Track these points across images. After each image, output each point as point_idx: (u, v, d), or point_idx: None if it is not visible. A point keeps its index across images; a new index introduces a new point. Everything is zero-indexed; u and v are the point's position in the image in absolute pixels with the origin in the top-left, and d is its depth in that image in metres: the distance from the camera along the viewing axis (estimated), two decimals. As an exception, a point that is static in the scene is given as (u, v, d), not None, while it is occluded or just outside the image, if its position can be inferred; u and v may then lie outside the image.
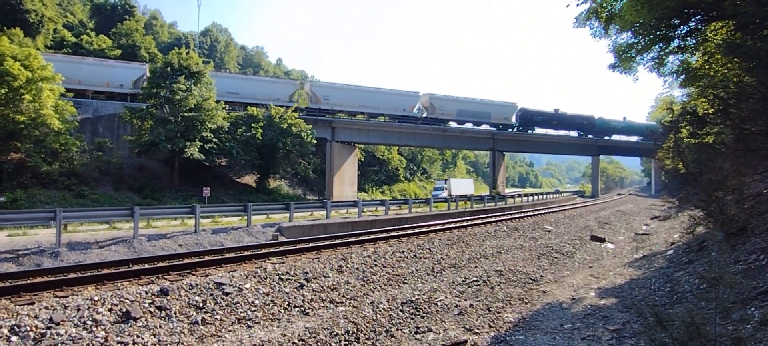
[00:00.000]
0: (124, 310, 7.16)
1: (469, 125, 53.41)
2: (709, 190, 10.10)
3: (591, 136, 62.61)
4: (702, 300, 7.06)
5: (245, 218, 18.22)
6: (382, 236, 15.73)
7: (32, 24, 44.42)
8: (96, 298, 7.35)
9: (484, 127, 54.31)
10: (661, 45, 12.13)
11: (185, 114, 27.89)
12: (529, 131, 57.79)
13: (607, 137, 64.82)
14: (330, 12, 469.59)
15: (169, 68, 28.58)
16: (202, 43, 75.80)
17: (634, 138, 67.44)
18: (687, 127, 13.60)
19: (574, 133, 62.17)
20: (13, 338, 6.07)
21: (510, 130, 55.89)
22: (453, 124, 52.16)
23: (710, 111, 12.71)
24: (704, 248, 10.67)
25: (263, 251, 12.52)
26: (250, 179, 37.05)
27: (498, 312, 8.89)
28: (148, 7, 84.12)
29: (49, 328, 6.36)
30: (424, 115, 50.40)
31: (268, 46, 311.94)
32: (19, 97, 22.09)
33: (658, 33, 11.59)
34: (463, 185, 56.40)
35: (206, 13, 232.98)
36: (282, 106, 38.56)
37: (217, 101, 30.84)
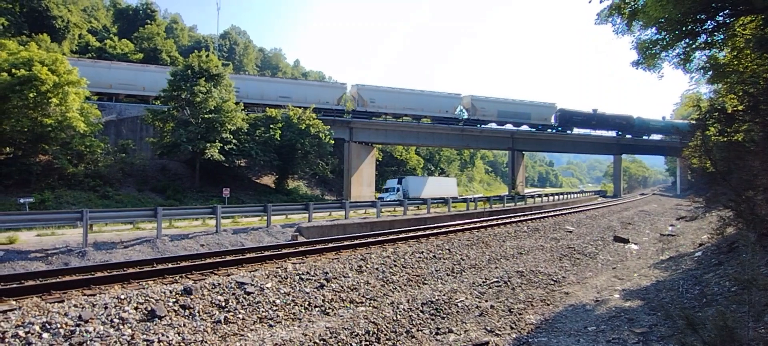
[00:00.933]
0: (150, 308, 7.29)
1: (509, 125, 53.97)
2: (738, 189, 9.81)
3: (629, 136, 62.33)
4: (733, 303, 6.85)
5: (265, 218, 18.40)
6: (401, 236, 15.68)
7: (58, 30, 45.73)
8: (122, 296, 7.50)
9: (507, 126, 54.10)
10: (687, 41, 11.80)
11: (205, 116, 28.32)
12: (568, 131, 58.13)
13: (645, 137, 64.06)
14: (345, 13, 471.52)
15: (189, 71, 29.05)
16: (222, 46, 76.90)
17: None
18: (715, 125, 13.23)
19: (611, 133, 62.04)
20: (45, 335, 6.23)
21: (549, 130, 56.27)
22: (493, 125, 52.80)
23: (739, 108, 12.33)
24: (735, 250, 10.35)
25: (283, 251, 12.61)
26: (269, 180, 37.43)
27: (519, 314, 8.78)
28: (168, 12, 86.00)
29: (78, 325, 6.52)
30: (465, 116, 50.93)
31: (285, 47, 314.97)
32: (46, 100, 22.73)
33: (684, 28, 11.29)
34: (434, 185, 46.70)
35: (225, 16, 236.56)
36: (331, 109, 41.99)
37: (262, 105, 31.88)
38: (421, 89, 48.76)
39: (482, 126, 51.60)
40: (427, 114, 48.15)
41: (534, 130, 55.11)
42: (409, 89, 48.06)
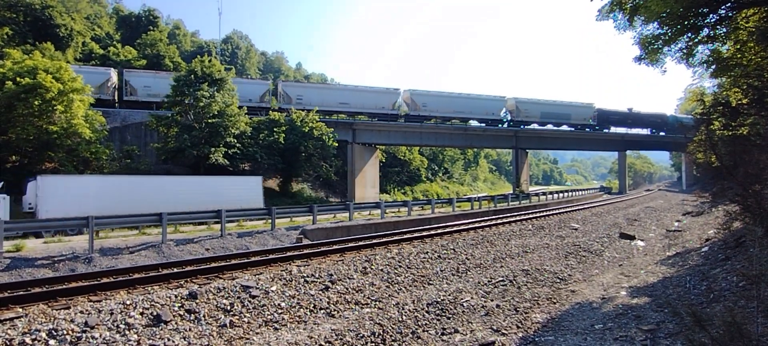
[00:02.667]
0: (155, 313, 7.31)
1: (550, 126, 55.62)
2: (745, 183, 9.72)
3: (664, 133, 63.42)
4: (741, 299, 6.78)
5: (269, 221, 18.44)
6: (405, 237, 15.68)
7: (62, 38, 46.00)
8: (128, 302, 7.53)
9: (563, 127, 56.07)
10: (689, 35, 11.72)
11: (209, 120, 28.41)
12: (605, 130, 59.35)
13: (681, 136, 64.81)
14: (347, 15, 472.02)
15: (192, 76, 29.16)
16: (224, 51, 77.12)
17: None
18: (719, 119, 13.13)
19: (645, 131, 63.40)
20: (51, 342, 6.26)
21: (587, 129, 57.84)
22: (535, 126, 54.28)
23: (744, 101, 12.25)
24: (742, 245, 10.26)
25: (288, 253, 12.63)
26: (273, 183, 37.49)
27: (526, 312, 8.74)
28: (171, 17, 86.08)
29: (84, 332, 6.54)
30: (509, 118, 52.83)
31: (287, 50, 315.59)
32: (51, 108, 22.89)
33: (686, 22, 11.20)
34: (172, 186, 23.77)
35: (227, 21, 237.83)
36: (386, 113, 44.35)
37: (307, 110, 34.35)
38: (468, 93, 51.08)
39: (525, 126, 53.43)
40: (474, 117, 50.12)
41: (573, 129, 57.06)
42: (457, 93, 50.38)
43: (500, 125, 51.81)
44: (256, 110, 38.24)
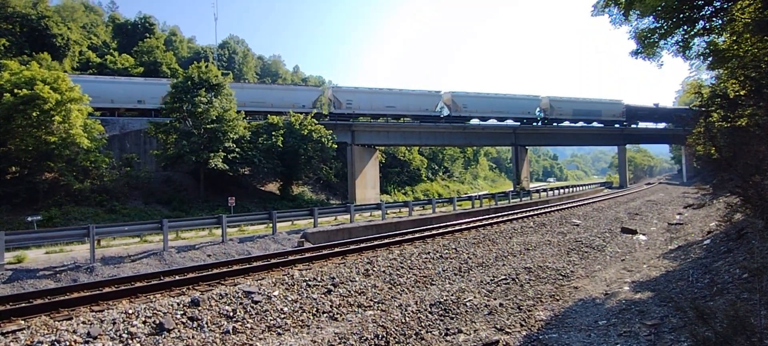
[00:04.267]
0: (158, 322, 7.30)
1: (581, 123, 57.62)
2: (745, 175, 9.71)
3: (677, 129, 64.29)
4: (744, 291, 6.77)
5: (270, 225, 18.42)
6: (407, 237, 15.66)
7: (59, 47, 45.97)
8: (130, 311, 7.52)
9: (593, 124, 57.69)
10: (685, 27, 11.71)
11: (207, 126, 28.39)
12: (633, 126, 61.22)
13: (680, 128, 66.41)
14: (344, 17, 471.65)
15: (189, 82, 29.15)
16: (221, 56, 77.08)
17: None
18: (718, 111, 13.12)
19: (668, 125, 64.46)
20: (54, 354, 6.25)
21: (616, 126, 59.66)
22: (567, 123, 56.09)
23: (742, 93, 12.23)
24: (744, 237, 10.25)
25: (290, 257, 12.61)
26: (273, 187, 37.47)
27: (529, 311, 8.73)
28: (167, 24, 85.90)
29: (86, 342, 6.54)
30: (542, 115, 54.63)
31: (284, 54, 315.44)
32: (50, 118, 22.86)
33: (681, 15, 11.21)
34: None
35: (223, 26, 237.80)
36: (429, 115, 46.51)
37: (357, 114, 35.47)
38: (504, 93, 52.94)
39: (556, 124, 55.10)
40: (510, 116, 52.00)
41: (602, 125, 58.78)
42: (493, 93, 51.95)
43: (534, 123, 53.91)
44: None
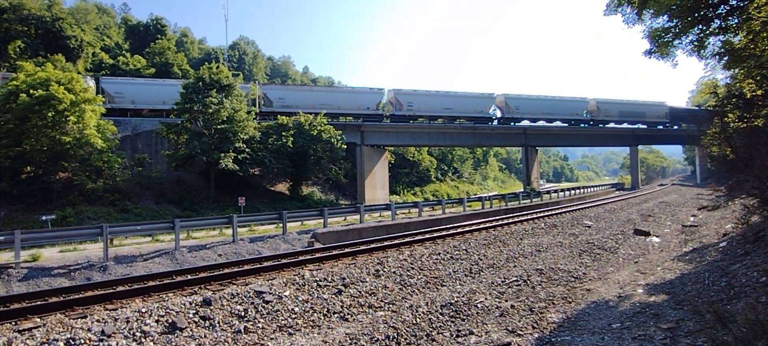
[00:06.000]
0: (171, 321, 7.35)
1: (625, 124, 59.11)
2: (762, 176, 9.54)
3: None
4: (763, 295, 6.64)
5: (280, 225, 18.49)
6: (417, 238, 15.62)
7: (73, 49, 46.67)
8: (143, 310, 7.58)
9: (626, 125, 58.77)
10: (700, 27, 11.52)
11: (218, 126, 28.60)
12: (675, 127, 62.39)
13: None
14: (353, 17, 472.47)
15: (200, 83, 29.38)
16: (231, 57, 77.67)
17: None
18: (734, 111, 12.92)
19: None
20: (69, 352, 6.31)
21: (658, 127, 61.29)
22: (612, 124, 57.81)
23: (758, 92, 12.04)
24: (761, 239, 10.07)
25: (300, 258, 12.64)
26: (283, 187, 37.63)
27: (541, 313, 8.65)
28: (178, 26, 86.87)
29: (101, 340, 6.60)
30: (589, 117, 56.38)
31: (294, 54, 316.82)
32: (64, 119, 23.19)
33: (696, 14, 11.03)
34: None
35: (233, 27, 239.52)
36: (482, 117, 48.88)
37: (417, 115, 37.33)
38: (553, 96, 54.81)
39: (602, 125, 56.85)
40: (560, 117, 54.14)
41: (646, 127, 60.14)
42: (543, 96, 53.88)
43: (582, 125, 56.06)
44: (372, 117, 43.59)
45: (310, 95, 42.99)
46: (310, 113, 36.52)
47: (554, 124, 53.69)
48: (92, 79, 34.83)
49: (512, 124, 50.35)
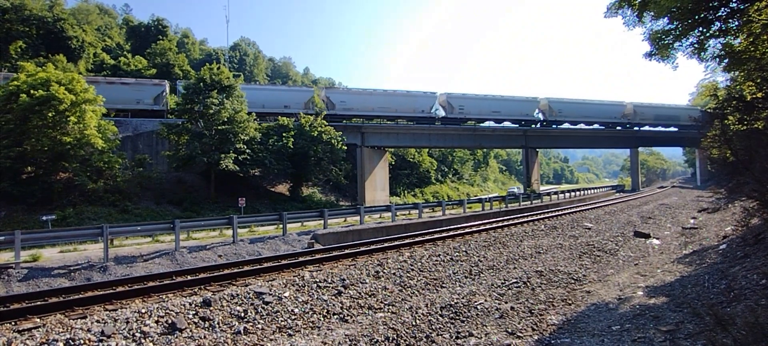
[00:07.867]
0: (170, 322, 7.35)
1: (660, 127, 61.97)
2: (762, 178, 9.55)
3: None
4: (763, 298, 6.64)
5: (281, 226, 18.49)
6: (417, 239, 15.63)
7: (74, 49, 46.73)
8: (143, 310, 7.59)
9: (671, 128, 61.08)
10: (700, 29, 11.53)
11: (219, 127, 28.62)
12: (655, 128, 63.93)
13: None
14: (353, 19, 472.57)
15: (201, 84, 29.40)
16: (232, 58, 77.74)
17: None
18: (734, 113, 12.93)
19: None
20: (69, 352, 6.32)
21: (617, 128, 61.86)
22: (647, 127, 60.49)
23: (759, 95, 12.04)
24: (761, 241, 10.07)
25: (300, 259, 12.65)
26: (283, 188, 37.65)
27: (541, 315, 8.64)
28: (179, 26, 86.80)
29: (101, 341, 6.60)
30: (626, 121, 58.45)
31: (294, 56, 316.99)
32: (65, 119, 23.21)
33: (696, 16, 11.03)
34: None
35: (234, 28, 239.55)
36: (526, 119, 51.28)
37: (468, 118, 40.89)
38: (591, 99, 56.77)
39: (640, 129, 59.63)
40: (598, 120, 55.87)
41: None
42: (582, 100, 55.96)
43: (618, 128, 58.09)
44: (425, 120, 45.48)
45: (370, 99, 44.21)
46: (370, 116, 36.75)
47: (595, 126, 55.58)
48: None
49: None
